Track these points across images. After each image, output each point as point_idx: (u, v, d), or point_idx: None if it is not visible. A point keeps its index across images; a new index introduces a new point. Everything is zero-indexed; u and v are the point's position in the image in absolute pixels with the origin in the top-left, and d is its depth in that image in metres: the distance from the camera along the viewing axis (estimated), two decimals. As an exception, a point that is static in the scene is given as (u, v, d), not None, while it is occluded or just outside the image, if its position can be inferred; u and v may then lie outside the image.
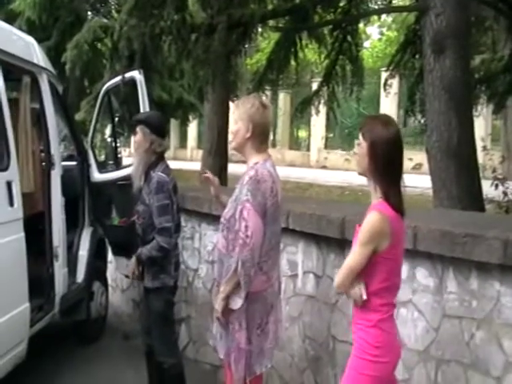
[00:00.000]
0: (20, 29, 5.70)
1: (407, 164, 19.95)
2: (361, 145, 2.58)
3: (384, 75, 11.42)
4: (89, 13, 13.90)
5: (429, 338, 2.96)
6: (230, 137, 3.36)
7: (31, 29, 10.58)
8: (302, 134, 28.50)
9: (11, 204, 3.81)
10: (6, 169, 3.87)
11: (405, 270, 3.05)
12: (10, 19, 9.32)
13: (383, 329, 2.55)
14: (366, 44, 28.30)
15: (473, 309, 2.73)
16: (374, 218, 2.52)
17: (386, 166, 2.53)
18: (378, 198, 2.57)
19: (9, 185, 3.81)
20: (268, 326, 3.17)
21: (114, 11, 14.32)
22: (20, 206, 3.93)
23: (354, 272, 2.55)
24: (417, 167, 18.68)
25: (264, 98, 3.63)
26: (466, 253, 2.70)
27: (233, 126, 3.28)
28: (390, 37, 27.39)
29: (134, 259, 3.97)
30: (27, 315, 3.99)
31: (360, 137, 2.60)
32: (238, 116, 3.21)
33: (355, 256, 2.56)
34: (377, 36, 30.93)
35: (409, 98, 10.09)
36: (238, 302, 3.08)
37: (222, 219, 3.24)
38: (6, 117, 3.98)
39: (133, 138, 4.13)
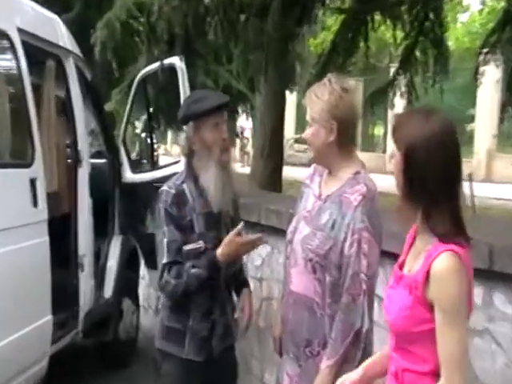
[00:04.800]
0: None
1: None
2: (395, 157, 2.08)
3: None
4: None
5: (510, 374, 3.01)
6: (307, 144, 2.89)
7: (49, -1, 10.71)
8: (379, 131, 27.78)
9: (35, 204, 4.04)
10: (30, 165, 4.10)
11: (480, 293, 3.15)
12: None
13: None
14: (463, 17, 27.10)
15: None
16: (451, 265, 1.94)
17: (437, 181, 1.98)
18: (435, 237, 2.00)
19: (33, 183, 4.03)
20: None
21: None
22: (45, 207, 4.16)
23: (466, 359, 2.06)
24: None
25: (345, 79, 2.99)
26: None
27: (306, 130, 2.82)
28: (494, 8, 25.08)
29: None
30: (50, 330, 4.19)
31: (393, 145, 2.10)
32: (313, 114, 2.75)
33: (455, 337, 1.95)
34: (477, 7, 28.96)
35: (508, 88, 9.87)
36: None
37: (307, 254, 2.74)
38: (31, 106, 4.17)
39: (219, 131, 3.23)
